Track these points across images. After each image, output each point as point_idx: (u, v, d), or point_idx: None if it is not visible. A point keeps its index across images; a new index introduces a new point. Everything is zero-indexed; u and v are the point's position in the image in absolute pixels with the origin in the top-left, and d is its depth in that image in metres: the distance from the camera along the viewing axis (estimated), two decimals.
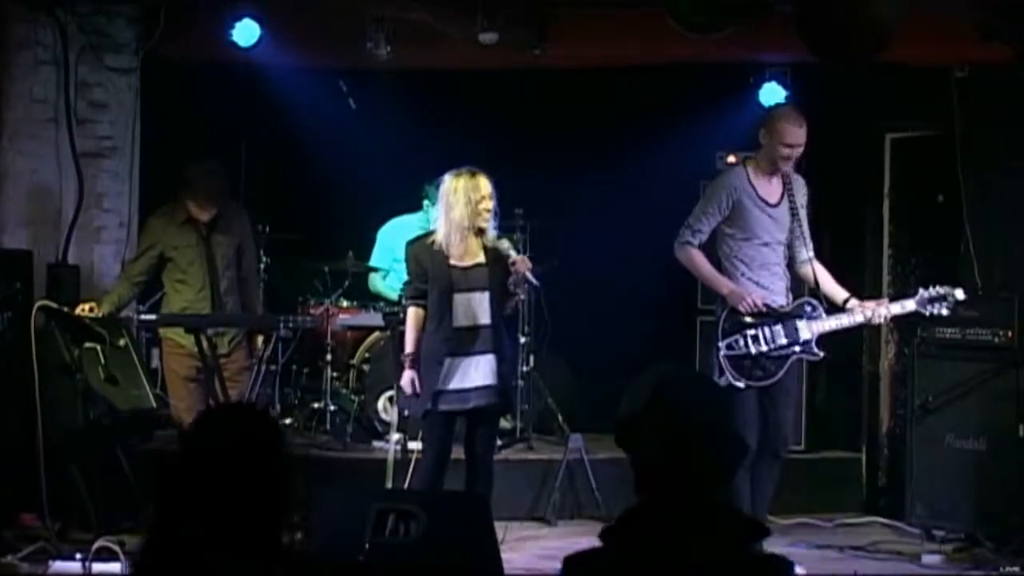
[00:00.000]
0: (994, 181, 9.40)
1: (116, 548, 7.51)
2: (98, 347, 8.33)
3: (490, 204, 7.51)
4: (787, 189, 8.00)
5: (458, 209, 7.50)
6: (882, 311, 7.91)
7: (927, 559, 8.33)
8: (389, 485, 8.19)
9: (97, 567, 7.47)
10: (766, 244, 7.96)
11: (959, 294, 7.93)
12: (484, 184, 7.50)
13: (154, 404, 8.61)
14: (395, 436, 8.44)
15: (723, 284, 7.87)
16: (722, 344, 7.84)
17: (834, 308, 7.98)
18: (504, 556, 6.65)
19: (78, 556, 7.55)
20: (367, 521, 6.17)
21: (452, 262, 7.56)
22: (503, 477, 8.53)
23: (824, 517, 9.43)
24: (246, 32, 9.17)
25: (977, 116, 9.38)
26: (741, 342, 7.83)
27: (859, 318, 7.89)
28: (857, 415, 10.14)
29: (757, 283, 7.91)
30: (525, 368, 9.89)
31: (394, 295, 10.15)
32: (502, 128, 10.36)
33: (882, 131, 10.06)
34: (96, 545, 7.53)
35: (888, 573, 8.25)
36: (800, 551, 8.56)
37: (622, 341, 10.30)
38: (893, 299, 8.15)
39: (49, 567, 7.56)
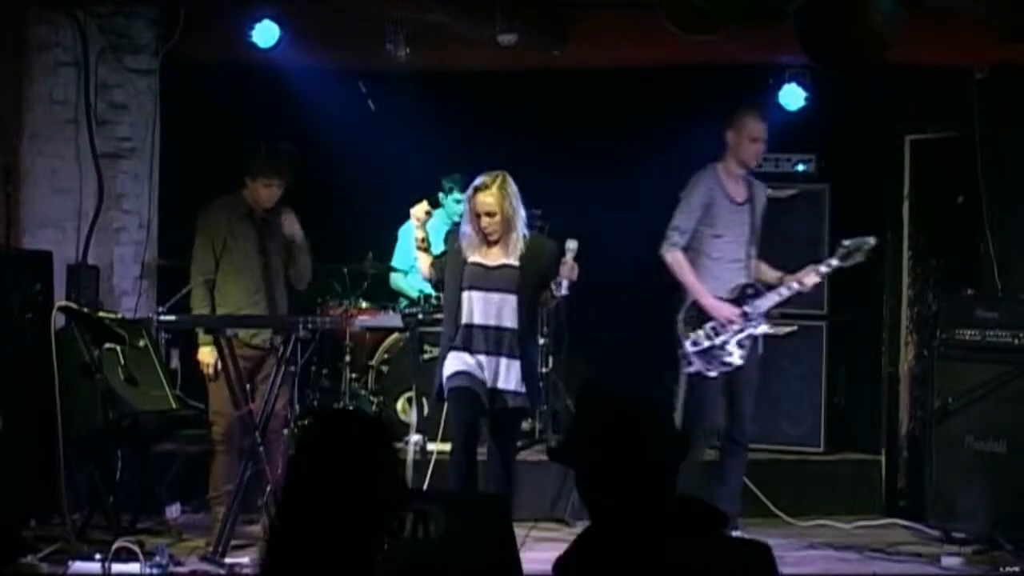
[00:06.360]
0: (1014, 183, 9.38)
1: (135, 549, 7.53)
2: (118, 348, 8.35)
3: (490, 220, 7.51)
4: (751, 192, 8.52)
5: (467, 224, 7.58)
6: (812, 277, 8.42)
7: (946, 561, 8.32)
8: (408, 486, 8.19)
9: (116, 567, 7.48)
10: (732, 240, 8.43)
11: (871, 241, 8.40)
12: (483, 201, 7.51)
13: (174, 405, 8.63)
14: (414, 437, 8.45)
15: (703, 294, 8.35)
16: (687, 341, 8.35)
17: (771, 288, 8.52)
18: (522, 556, 6.64)
19: (97, 556, 7.56)
20: None
21: (474, 259, 7.58)
22: (522, 478, 8.54)
23: (843, 519, 9.42)
24: (265, 33, 9.19)
25: (997, 118, 9.36)
26: (702, 335, 8.34)
27: (795, 286, 8.42)
28: (877, 417, 10.12)
29: (717, 274, 8.40)
30: (544, 369, 9.87)
31: (415, 293, 10.17)
32: (521, 129, 10.35)
33: (902, 133, 10.04)
34: (116, 545, 7.54)
35: (907, 575, 8.24)
36: (819, 553, 8.56)
37: (641, 341, 10.29)
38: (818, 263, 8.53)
39: (69, 567, 7.57)
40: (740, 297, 8.38)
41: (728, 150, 8.45)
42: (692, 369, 8.36)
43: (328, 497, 3.36)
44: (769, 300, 8.41)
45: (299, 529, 3.36)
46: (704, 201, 8.37)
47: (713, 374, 8.30)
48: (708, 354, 8.32)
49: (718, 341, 8.29)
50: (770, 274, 8.54)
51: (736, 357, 8.32)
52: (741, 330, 8.30)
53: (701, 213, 8.36)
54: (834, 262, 8.33)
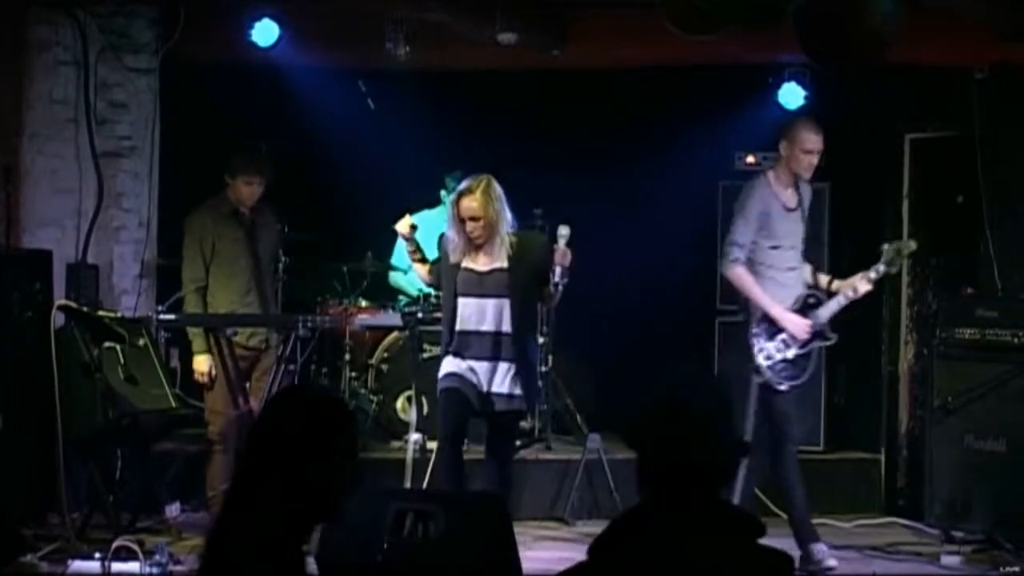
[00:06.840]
0: (1014, 182, 9.39)
1: (135, 548, 7.53)
2: (118, 347, 8.35)
3: (475, 224, 7.49)
4: (800, 195, 8.28)
5: (452, 229, 7.57)
6: (864, 284, 8.23)
7: (946, 560, 8.32)
8: (408, 485, 8.20)
9: (116, 567, 7.48)
10: (790, 248, 8.22)
11: (912, 244, 8.46)
12: (467, 206, 7.48)
13: (173, 404, 8.63)
14: (414, 436, 8.46)
15: (774, 307, 8.12)
16: (759, 355, 8.12)
17: (830, 296, 8.33)
18: (522, 556, 6.65)
19: (97, 555, 7.56)
20: (385, 521, 6.18)
21: (465, 264, 7.57)
22: (521, 477, 8.54)
23: (843, 517, 9.42)
24: (265, 32, 9.20)
25: (997, 117, 9.36)
26: (773, 348, 8.13)
27: (850, 294, 8.22)
28: (876, 416, 10.12)
29: (781, 284, 8.17)
30: (543, 368, 9.87)
31: (414, 291, 10.18)
32: (521, 128, 10.37)
33: (901, 132, 10.05)
34: (115, 544, 7.54)
35: (907, 574, 8.24)
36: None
37: (641, 341, 10.30)
38: (866, 270, 8.33)
39: (68, 566, 7.57)
40: (803, 308, 8.23)
41: (780, 160, 8.20)
42: (762, 380, 8.13)
43: (277, 469, 3.42)
44: (829, 310, 8.22)
45: (249, 503, 3.41)
46: (761, 211, 8.11)
47: (784, 387, 8.12)
48: (779, 368, 8.14)
49: (790, 355, 8.12)
50: (819, 277, 8.38)
51: (805, 370, 8.19)
52: (810, 342, 8.17)
53: (758, 224, 8.11)
54: (881, 268, 8.20)
